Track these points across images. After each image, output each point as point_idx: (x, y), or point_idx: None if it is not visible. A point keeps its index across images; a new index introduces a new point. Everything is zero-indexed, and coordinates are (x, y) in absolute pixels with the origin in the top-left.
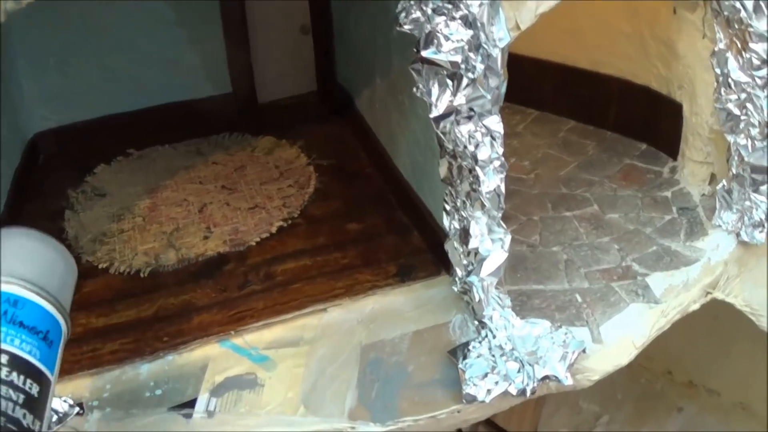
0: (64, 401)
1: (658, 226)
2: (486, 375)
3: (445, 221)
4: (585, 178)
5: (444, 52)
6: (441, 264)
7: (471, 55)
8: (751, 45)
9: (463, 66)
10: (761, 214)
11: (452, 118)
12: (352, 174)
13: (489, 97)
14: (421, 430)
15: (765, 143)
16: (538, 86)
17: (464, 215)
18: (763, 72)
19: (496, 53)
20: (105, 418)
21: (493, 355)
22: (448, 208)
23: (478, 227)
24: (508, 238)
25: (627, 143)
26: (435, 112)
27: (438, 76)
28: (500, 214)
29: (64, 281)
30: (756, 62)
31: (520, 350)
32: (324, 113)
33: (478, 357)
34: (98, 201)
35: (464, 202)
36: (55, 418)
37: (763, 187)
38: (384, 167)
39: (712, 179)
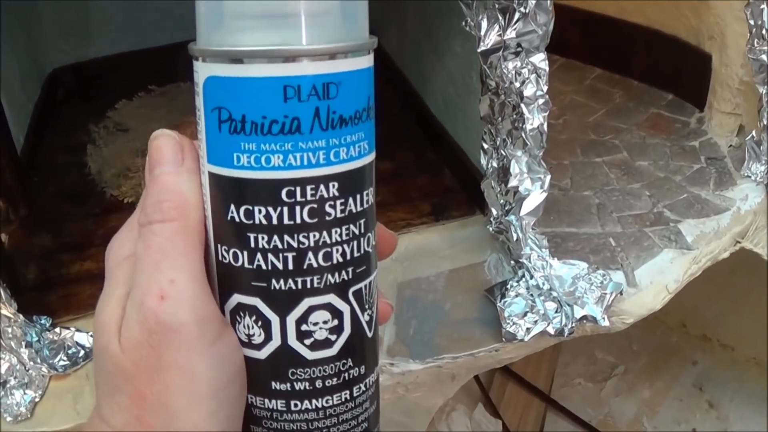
0: (91, 336)
1: (688, 174)
2: (525, 314)
3: (483, 160)
4: (613, 125)
5: None
6: (474, 203)
7: None
8: None
9: (515, 0)
10: None
11: (500, 53)
12: (380, 113)
13: (539, 32)
14: (459, 367)
15: None
16: (565, 33)
17: (504, 153)
18: None
19: None
20: None
21: (531, 295)
22: (486, 146)
23: (518, 166)
24: (548, 178)
25: (653, 93)
26: (483, 47)
27: (488, 10)
28: (541, 153)
29: None
30: None
31: (558, 290)
32: None
33: (516, 296)
34: (121, 136)
35: (505, 141)
36: (82, 353)
37: None
38: (413, 106)
39: (740, 130)
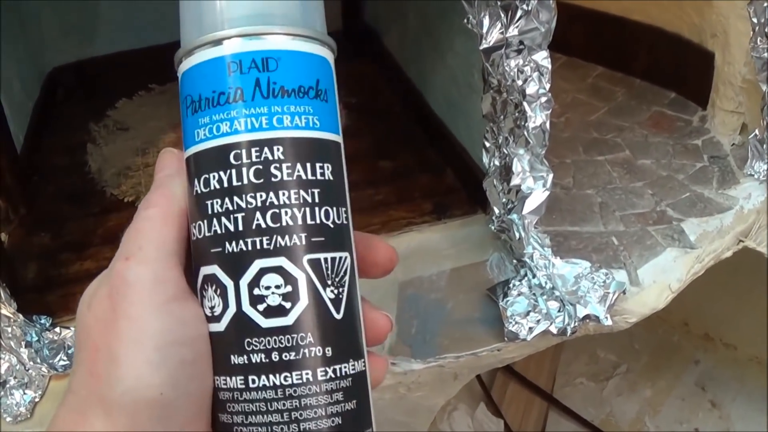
0: None
1: (690, 173)
2: (528, 313)
3: (485, 159)
4: (615, 124)
5: None
6: (476, 202)
7: None
8: None
9: None
10: None
11: (502, 51)
12: (381, 112)
13: (542, 30)
14: (461, 367)
15: None
16: (567, 31)
17: (506, 152)
18: None
19: None
20: None
21: (534, 294)
22: (488, 145)
23: (520, 164)
24: (550, 176)
25: (656, 91)
26: (485, 44)
27: (490, 8)
28: (544, 152)
29: None
30: None
31: (561, 289)
32: (350, 52)
33: (518, 295)
34: (121, 135)
35: (507, 139)
36: None
37: None
38: (415, 105)
39: (743, 129)
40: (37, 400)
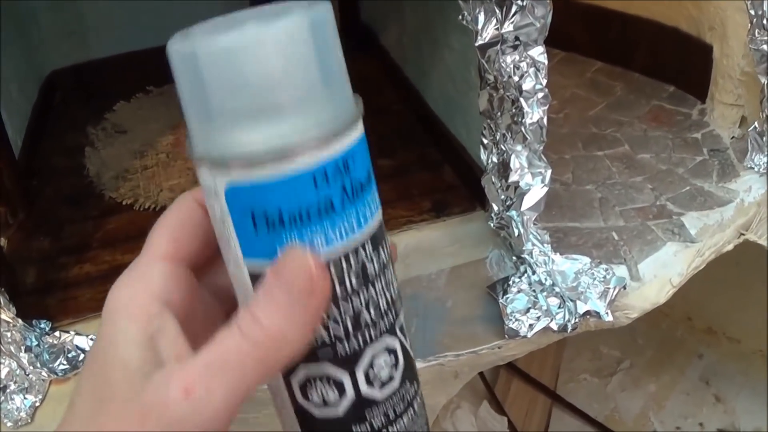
0: (91, 339)
1: (690, 166)
2: (528, 310)
3: (483, 155)
4: (614, 119)
5: None
6: (475, 199)
7: None
8: None
9: None
10: None
11: (498, 47)
12: (379, 110)
13: (537, 25)
14: (462, 365)
15: None
16: (565, 27)
17: (504, 149)
18: None
19: None
20: None
21: (534, 291)
22: (485, 141)
23: (518, 161)
24: (548, 172)
25: (655, 85)
26: (480, 41)
27: (485, 4)
28: (541, 147)
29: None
30: None
31: (561, 286)
32: (348, 51)
33: (518, 292)
34: (119, 138)
35: (504, 135)
36: (82, 356)
37: None
38: (412, 103)
39: (743, 122)
40: (37, 404)
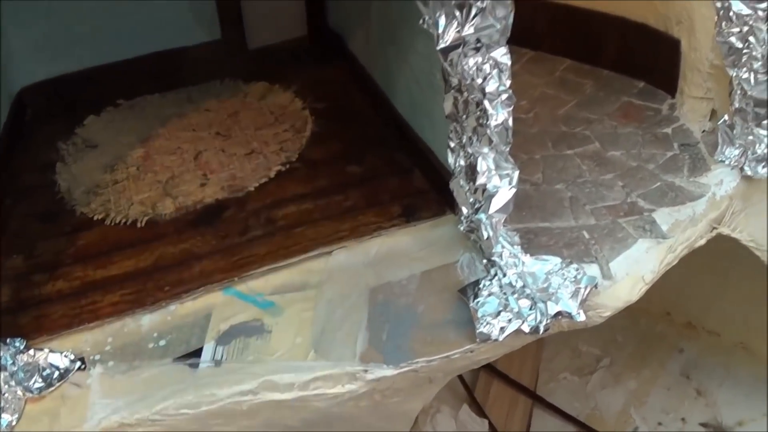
0: (65, 356)
1: (661, 162)
2: (499, 313)
3: (450, 159)
4: (584, 117)
5: None
6: (445, 203)
7: None
8: None
9: None
10: (764, 148)
11: (460, 50)
12: (348, 116)
13: (498, 26)
14: (435, 371)
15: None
16: (533, 25)
17: (470, 151)
18: (765, 4)
19: None
20: (108, 371)
21: (505, 293)
22: (452, 145)
23: (485, 163)
24: (516, 174)
25: (624, 81)
26: (442, 44)
27: (445, 7)
28: (508, 149)
29: None
30: None
31: (532, 287)
32: (316, 57)
33: (489, 295)
34: (90, 152)
35: (470, 138)
36: (56, 374)
37: (766, 122)
38: (381, 108)
39: (713, 115)
40: (14, 423)
